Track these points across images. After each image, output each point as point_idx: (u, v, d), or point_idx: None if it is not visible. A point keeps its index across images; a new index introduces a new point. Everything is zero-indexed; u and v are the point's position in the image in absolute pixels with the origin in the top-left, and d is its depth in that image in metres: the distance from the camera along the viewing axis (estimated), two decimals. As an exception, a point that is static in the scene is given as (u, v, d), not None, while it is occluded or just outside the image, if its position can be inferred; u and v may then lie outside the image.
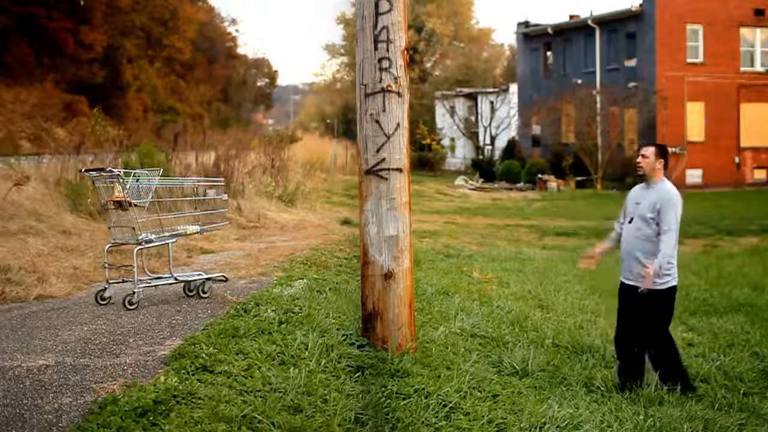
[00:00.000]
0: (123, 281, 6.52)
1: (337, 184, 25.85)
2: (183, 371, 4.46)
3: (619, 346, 5.86)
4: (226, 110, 48.74)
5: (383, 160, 5.13)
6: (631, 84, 32.45)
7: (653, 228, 5.58)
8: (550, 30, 38.28)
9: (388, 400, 4.37)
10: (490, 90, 45.69)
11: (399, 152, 5.16)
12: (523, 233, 16.69)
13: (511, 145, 39.61)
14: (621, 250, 5.86)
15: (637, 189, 5.88)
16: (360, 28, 5.17)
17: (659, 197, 5.60)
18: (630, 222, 5.76)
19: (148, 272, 6.69)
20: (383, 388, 4.52)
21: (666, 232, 5.51)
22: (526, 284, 9.41)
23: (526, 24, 40.53)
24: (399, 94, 5.15)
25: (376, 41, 5.11)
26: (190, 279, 6.62)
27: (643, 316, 5.65)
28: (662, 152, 5.76)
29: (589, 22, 35.23)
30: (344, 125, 56.95)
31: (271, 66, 74.91)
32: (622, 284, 5.83)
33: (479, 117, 45.22)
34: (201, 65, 48.31)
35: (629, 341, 5.74)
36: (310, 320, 5.60)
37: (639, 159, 5.76)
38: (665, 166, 5.75)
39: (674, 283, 5.66)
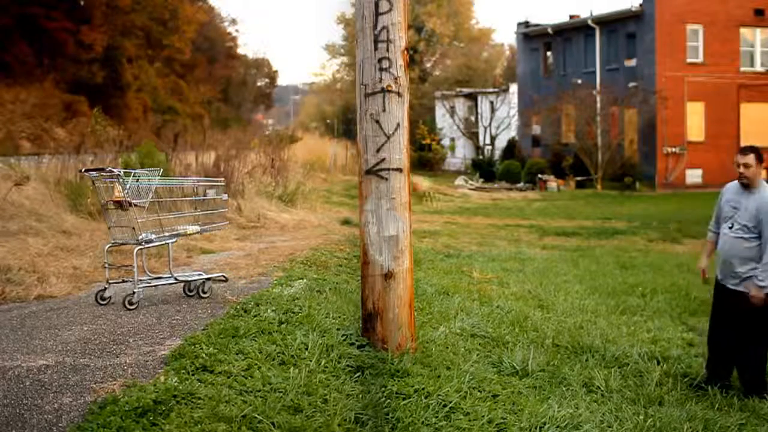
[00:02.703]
0: (123, 281, 6.52)
1: (337, 184, 25.84)
2: (183, 371, 4.46)
3: (711, 343, 5.93)
4: (226, 110, 48.73)
5: (383, 160, 5.13)
6: (631, 84, 32.45)
7: (753, 236, 5.56)
8: (550, 30, 38.28)
9: (388, 400, 4.37)
10: (490, 90, 45.69)
11: (399, 152, 5.15)
12: (523, 233, 16.68)
13: (511, 145, 39.61)
14: (719, 251, 5.87)
15: (734, 191, 5.80)
16: (360, 28, 5.17)
17: (760, 207, 5.54)
18: (730, 228, 5.72)
19: (148, 272, 6.69)
20: (383, 388, 4.52)
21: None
22: (526, 284, 9.40)
23: (526, 24, 40.53)
24: (399, 94, 5.15)
25: (376, 41, 5.10)
26: (190, 279, 6.61)
27: (745, 319, 5.67)
28: (761, 156, 5.69)
29: (589, 22, 35.23)
30: (344, 125, 56.98)
31: (271, 66, 75.00)
32: (718, 284, 5.89)
33: (479, 117, 45.21)
34: (201, 65, 48.30)
35: (722, 341, 5.82)
36: (310, 320, 5.60)
37: (741, 169, 5.63)
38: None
39: None
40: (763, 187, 5.64)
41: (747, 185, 5.69)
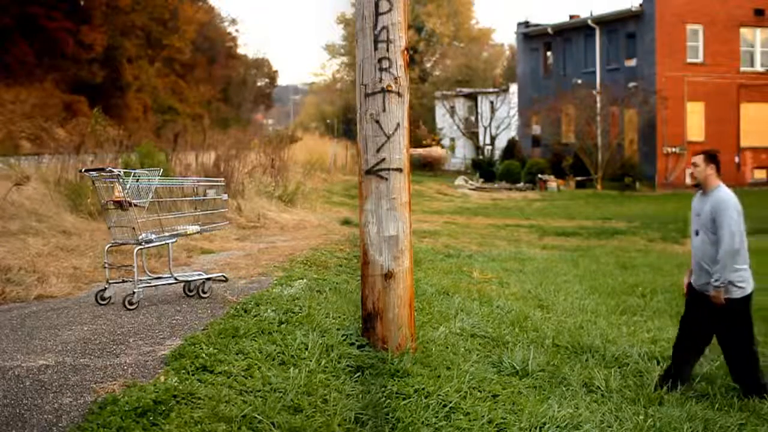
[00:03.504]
0: (123, 281, 6.52)
1: (337, 184, 25.84)
2: (183, 371, 4.46)
3: (676, 348, 5.90)
4: (226, 110, 48.68)
5: (383, 160, 5.13)
6: (631, 84, 32.46)
7: (713, 238, 5.58)
8: (550, 30, 38.29)
9: (388, 400, 4.37)
10: (490, 90, 45.72)
11: (399, 152, 5.15)
12: (523, 233, 16.69)
13: (511, 145, 39.62)
14: (693, 258, 5.86)
15: (697, 198, 5.86)
16: (360, 28, 5.17)
17: (713, 207, 5.58)
18: (697, 234, 5.76)
19: (148, 272, 6.69)
20: (383, 388, 4.52)
21: (721, 244, 5.49)
22: (526, 284, 9.41)
23: (526, 24, 40.54)
24: (399, 94, 5.15)
25: (376, 41, 5.10)
26: (190, 279, 6.61)
27: (722, 326, 5.66)
28: (711, 157, 5.72)
29: (589, 22, 35.24)
30: (344, 125, 56.99)
31: (271, 66, 74.96)
32: (693, 291, 5.84)
33: (479, 117, 45.23)
34: (201, 65, 48.26)
35: (687, 344, 5.80)
36: (310, 320, 5.60)
37: (691, 169, 5.76)
38: (718, 170, 5.71)
39: (748, 291, 5.61)
40: (717, 189, 5.68)
41: (700, 188, 5.75)
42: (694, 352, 5.82)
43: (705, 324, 5.72)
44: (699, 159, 5.72)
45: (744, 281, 5.58)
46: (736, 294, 5.56)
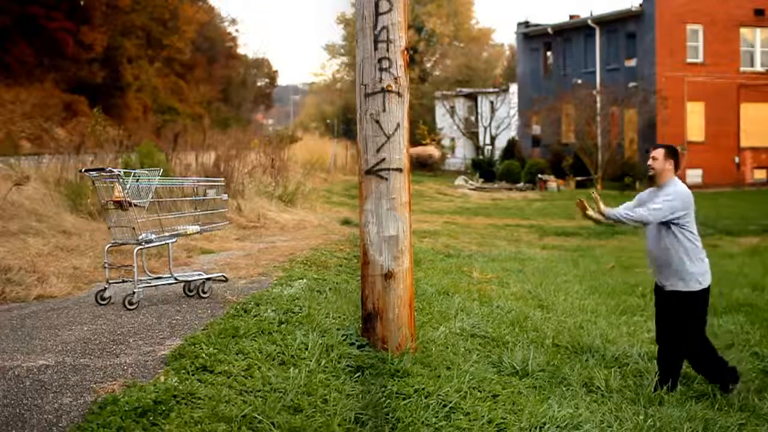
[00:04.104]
0: (123, 281, 6.52)
1: (337, 184, 25.84)
2: (183, 371, 4.46)
3: (661, 354, 5.90)
4: (226, 110, 48.72)
5: (383, 160, 5.14)
6: (631, 84, 32.46)
7: (674, 226, 5.58)
8: (550, 30, 38.29)
9: (388, 400, 4.37)
10: (490, 90, 45.69)
11: (399, 152, 5.16)
12: (523, 233, 16.69)
13: (511, 145, 39.62)
14: (650, 258, 5.86)
15: (646, 194, 5.87)
16: (360, 28, 5.17)
17: (662, 194, 5.61)
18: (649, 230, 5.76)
19: (148, 272, 6.69)
20: (383, 388, 4.52)
21: (656, 207, 5.47)
22: (526, 284, 9.41)
23: (526, 24, 40.54)
24: (399, 94, 5.16)
25: (376, 41, 5.11)
26: (190, 279, 6.61)
27: (676, 319, 5.68)
28: (672, 153, 5.75)
29: (589, 22, 35.24)
30: (344, 125, 57.02)
31: (271, 66, 74.99)
32: (658, 289, 5.85)
33: (479, 117, 45.23)
34: (201, 65, 48.30)
35: (665, 344, 5.81)
36: (310, 320, 5.60)
37: (650, 161, 5.75)
38: (676, 167, 5.72)
39: (705, 285, 5.65)
40: (672, 183, 5.67)
41: (654, 179, 5.75)
42: (677, 350, 5.82)
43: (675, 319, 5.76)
44: (659, 153, 5.71)
45: (703, 274, 5.65)
46: (695, 287, 5.63)
